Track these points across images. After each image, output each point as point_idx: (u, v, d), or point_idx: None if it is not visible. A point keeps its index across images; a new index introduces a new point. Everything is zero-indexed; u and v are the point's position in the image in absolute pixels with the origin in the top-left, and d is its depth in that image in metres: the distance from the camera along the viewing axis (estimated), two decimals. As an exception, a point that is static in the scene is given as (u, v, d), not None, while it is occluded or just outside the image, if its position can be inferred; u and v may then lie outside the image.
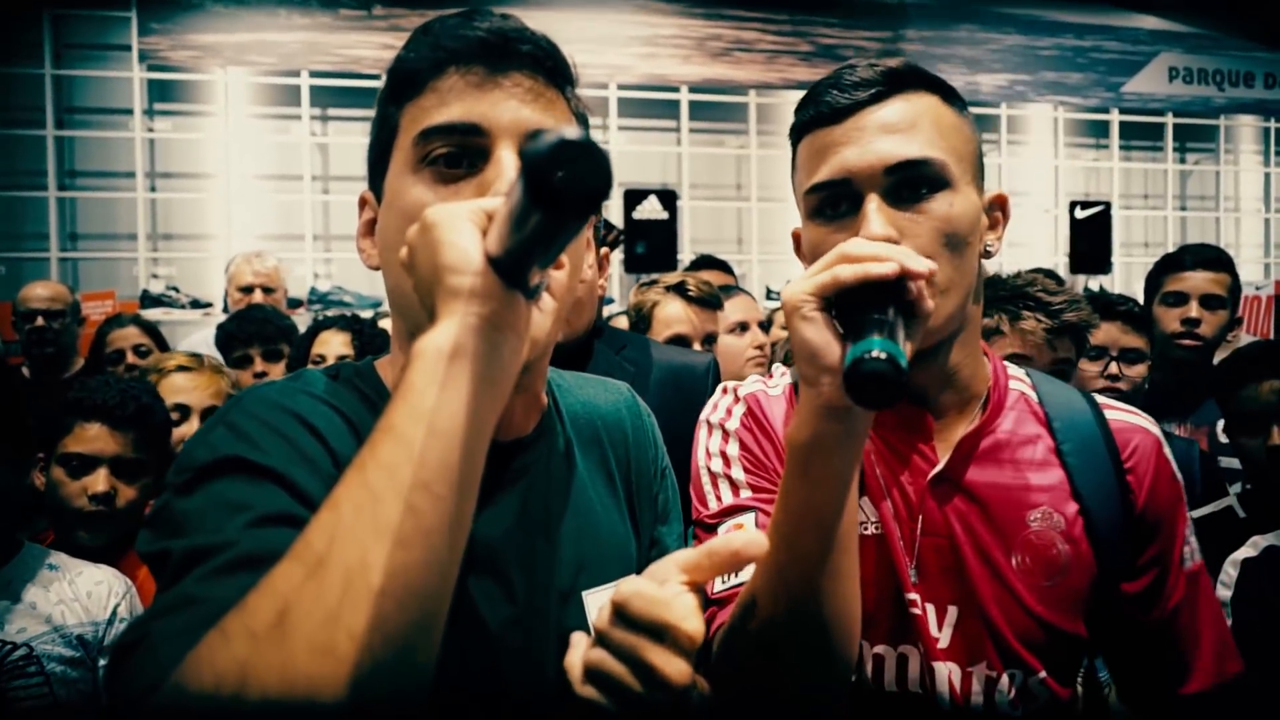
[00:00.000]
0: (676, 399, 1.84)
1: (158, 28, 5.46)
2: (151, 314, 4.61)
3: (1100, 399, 1.09)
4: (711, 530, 1.00)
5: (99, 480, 1.70)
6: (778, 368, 1.14)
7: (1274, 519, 1.75)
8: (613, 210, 5.61)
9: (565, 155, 0.50)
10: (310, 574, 0.53)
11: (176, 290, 5.26)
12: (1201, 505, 2.04)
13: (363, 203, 0.88)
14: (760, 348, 2.67)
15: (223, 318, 3.33)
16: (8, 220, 5.35)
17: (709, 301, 2.38)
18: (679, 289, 2.37)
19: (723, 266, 3.78)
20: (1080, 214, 6.40)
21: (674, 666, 0.62)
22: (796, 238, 1.02)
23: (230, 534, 0.64)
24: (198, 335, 3.66)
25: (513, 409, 0.84)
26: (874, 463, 1.00)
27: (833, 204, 0.93)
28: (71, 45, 5.50)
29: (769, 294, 6.04)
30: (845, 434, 0.76)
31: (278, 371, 2.76)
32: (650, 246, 5.61)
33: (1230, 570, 1.68)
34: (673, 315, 2.34)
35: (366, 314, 2.97)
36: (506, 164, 0.74)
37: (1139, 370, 2.28)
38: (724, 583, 0.94)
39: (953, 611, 0.97)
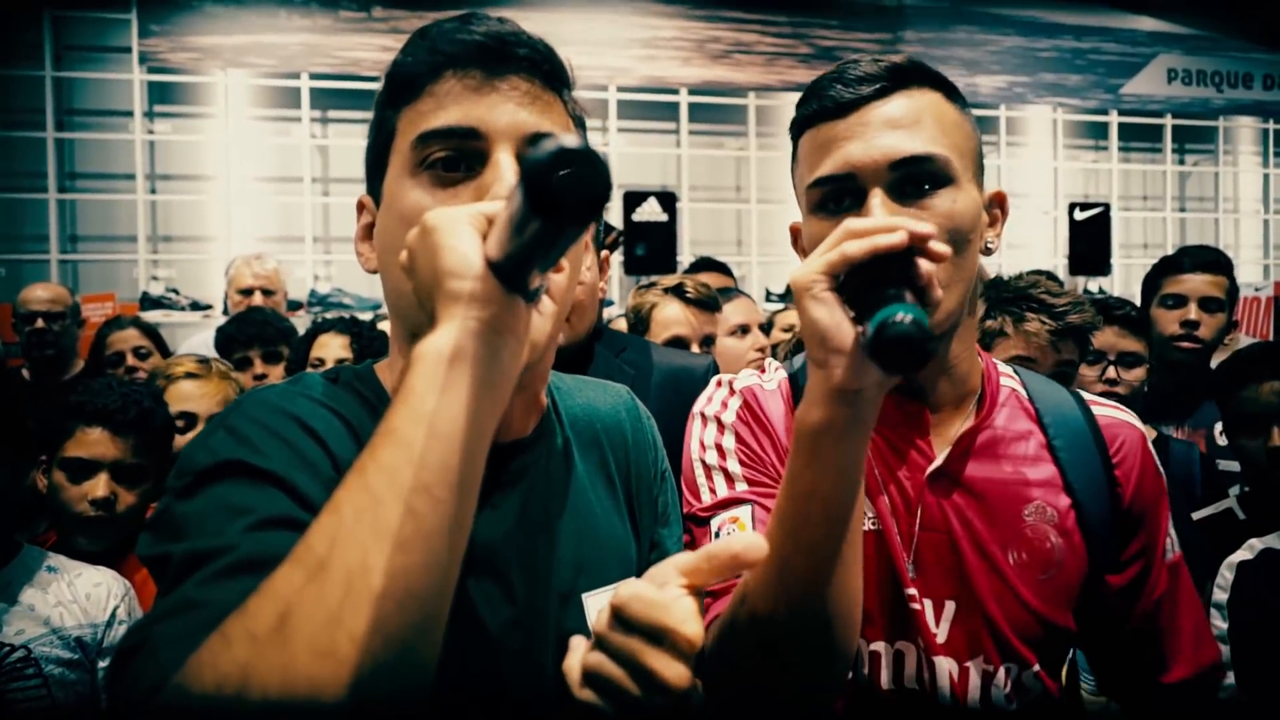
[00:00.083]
0: (676, 401, 1.84)
1: (158, 30, 5.47)
2: (151, 316, 4.61)
3: (1086, 395, 1.10)
4: (704, 524, 1.00)
5: (99, 485, 1.70)
6: (771, 363, 1.14)
7: (1273, 521, 1.75)
8: (612, 212, 5.61)
9: (565, 162, 0.51)
10: (311, 577, 0.53)
11: (176, 292, 5.26)
12: (1201, 507, 2.04)
13: (361, 207, 0.88)
14: (761, 350, 2.67)
15: (222, 320, 3.33)
16: (8, 222, 5.36)
17: (707, 303, 2.38)
18: (677, 291, 2.37)
19: (722, 268, 3.79)
20: (1079, 216, 6.40)
21: (673, 670, 0.62)
22: (795, 232, 1.02)
23: (231, 538, 0.64)
24: (198, 337, 3.66)
25: (512, 411, 0.84)
26: (871, 458, 1.00)
27: (836, 199, 0.93)
28: (72, 47, 5.51)
29: (768, 296, 6.04)
30: (854, 418, 0.75)
31: (277, 373, 2.76)
32: (650, 248, 5.61)
33: (1226, 573, 1.68)
34: (671, 317, 2.34)
35: (366, 316, 2.97)
36: (504, 167, 0.74)
37: (1137, 374, 2.28)
38: None
39: (950, 606, 0.97)
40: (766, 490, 0.98)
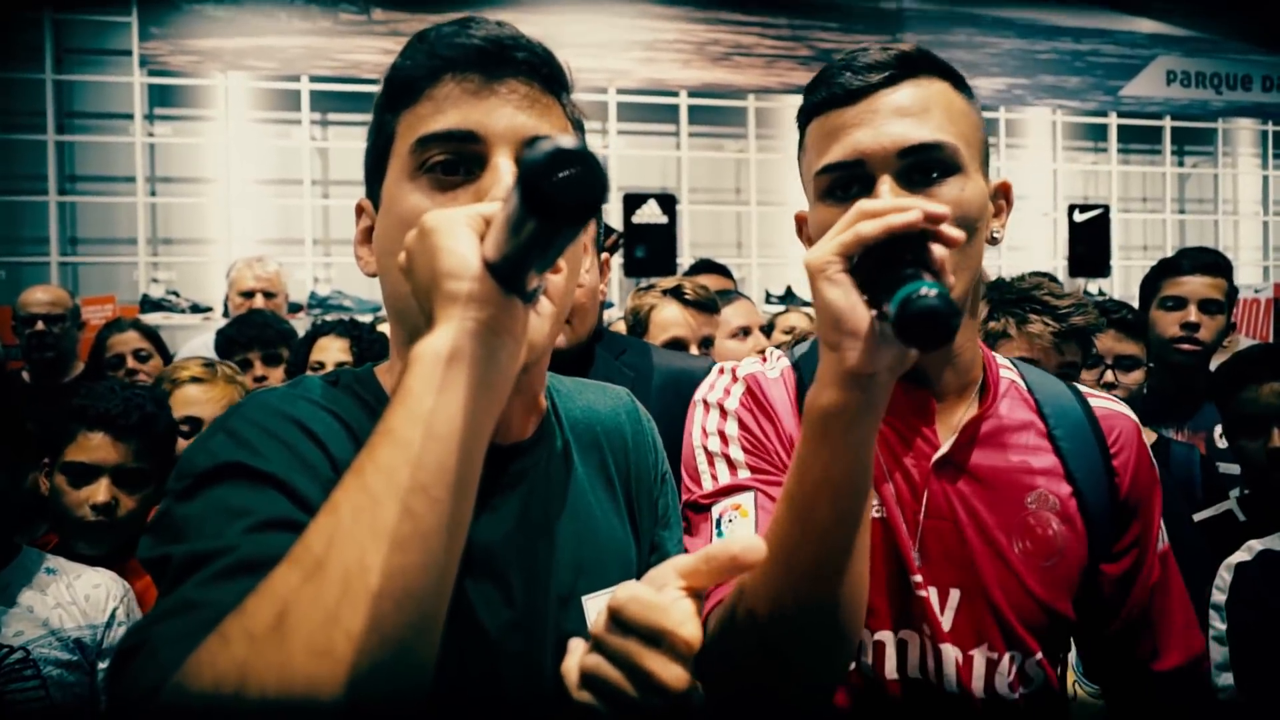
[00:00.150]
0: (677, 404, 1.84)
1: (158, 33, 5.47)
2: (151, 318, 4.61)
3: (1082, 388, 1.12)
4: (704, 511, 0.99)
5: (100, 490, 1.70)
6: (773, 351, 1.14)
7: (1273, 523, 1.75)
8: (612, 214, 5.62)
9: (561, 163, 0.51)
10: (308, 576, 0.54)
11: (176, 295, 5.26)
12: (1202, 509, 2.04)
13: (360, 210, 0.88)
14: (762, 352, 2.67)
15: (222, 322, 3.33)
16: (8, 224, 5.36)
17: (705, 305, 2.39)
18: (676, 293, 2.37)
19: (722, 271, 3.79)
20: (1079, 217, 6.41)
21: (671, 672, 0.62)
22: (800, 221, 1.03)
23: (230, 539, 0.64)
24: (198, 340, 3.66)
25: (512, 413, 0.84)
26: (876, 446, 1.00)
27: (844, 185, 0.94)
28: (72, 50, 5.51)
29: (768, 298, 6.05)
30: (866, 402, 0.75)
31: (277, 375, 2.76)
32: (650, 250, 5.62)
33: (1225, 574, 1.68)
34: (669, 319, 2.34)
35: (366, 318, 2.97)
36: (503, 171, 0.74)
37: (1135, 377, 2.29)
38: None
39: (955, 594, 0.98)
40: (769, 478, 0.98)
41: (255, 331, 2.81)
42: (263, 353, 2.79)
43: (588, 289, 1.80)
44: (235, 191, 5.57)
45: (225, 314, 3.88)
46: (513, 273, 0.59)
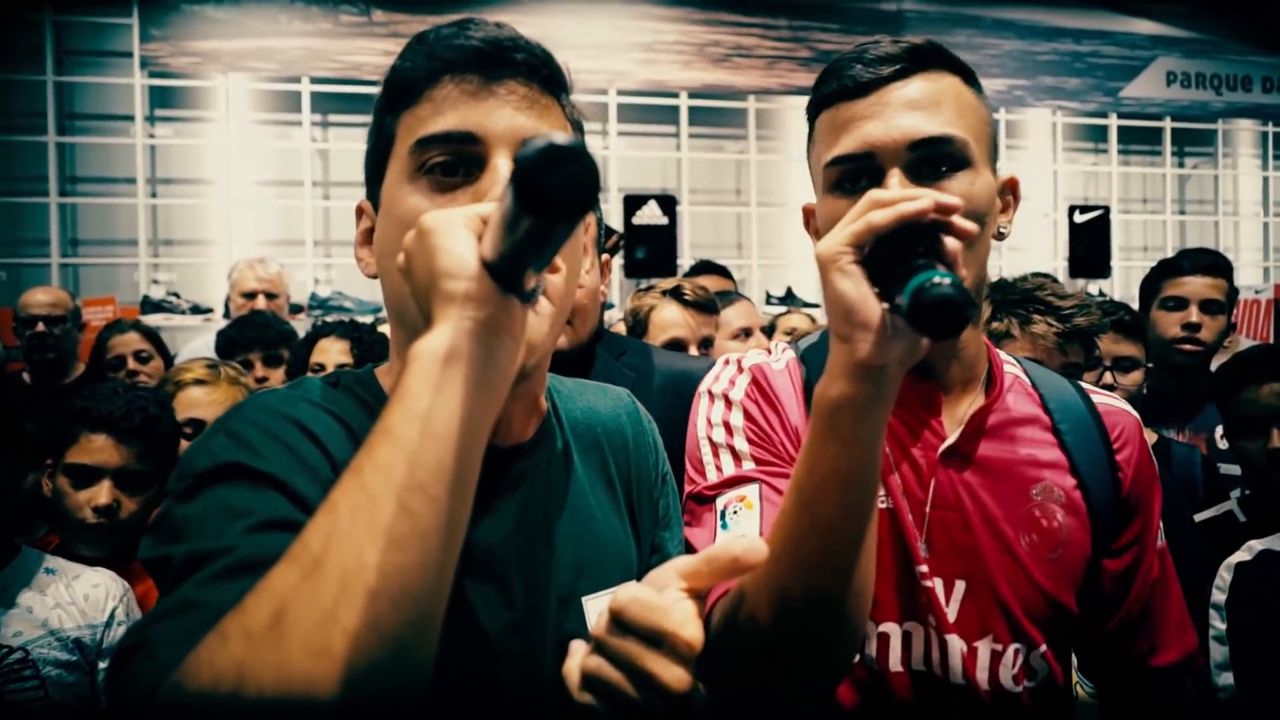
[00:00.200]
0: (677, 405, 1.84)
1: (159, 34, 5.48)
2: (152, 319, 4.61)
3: (1083, 384, 1.12)
4: (708, 502, 0.98)
5: (102, 493, 1.70)
6: (778, 344, 1.13)
7: (1273, 523, 1.75)
8: (612, 216, 5.62)
9: (554, 160, 0.51)
10: (306, 575, 0.54)
11: (177, 296, 5.27)
12: (1203, 510, 2.04)
13: (360, 212, 0.88)
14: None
15: (223, 323, 3.33)
16: (8, 226, 5.37)
17: (705, 306, 2.39)
18: (675, 293, 2.37)
19: (722, 272, 3.79)
20: (1079, 218, 6.40)
21: (672, 674, 0.62)
22: (808, 214, 1.03)
23: (230, 539, 0.64)
24: (198, 341, 3.66)
25: (512, 415, 0.84)
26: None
27: (853, 178, 0.94)
28: (73, 51, 5.51)
29: (769, 299, 6.05)
30: (876, 395, 0.75)
31: (278, 377, 2.76)
32: (650, 252, 5.61)
33: (1224, 574, 1.68)
34: (669, 319, 2.34)
35: (366, 319, 2.97)
36: (502, 172, 0.74)
37: (1134, 378, 2.28)
38: None
39: (960, 586, 0.97)
40: (774, 469, 0.98)
41: (256, 333, 2.81)
42: (263, 354, 2.79)
43: (589, 290, 1.80)
44: (236, 193, 5.58)
45: (226, 315, 3.88)
46: (510, 272, 0.59)
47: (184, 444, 2.00)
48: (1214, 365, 2.38)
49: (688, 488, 1.02)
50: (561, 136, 0.52)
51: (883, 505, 0.98)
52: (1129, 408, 1.11)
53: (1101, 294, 6.27)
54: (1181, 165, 7.45)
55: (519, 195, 0.52)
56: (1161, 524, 1.10)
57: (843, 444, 0.76)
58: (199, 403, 2.17)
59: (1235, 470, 2.16)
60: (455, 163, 0.77)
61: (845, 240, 0.74)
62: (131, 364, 3.04)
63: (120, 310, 4.69)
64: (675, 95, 6.23)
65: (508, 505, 0.82)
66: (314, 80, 5.67)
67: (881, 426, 0.77)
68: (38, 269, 5.28)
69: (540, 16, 5.76)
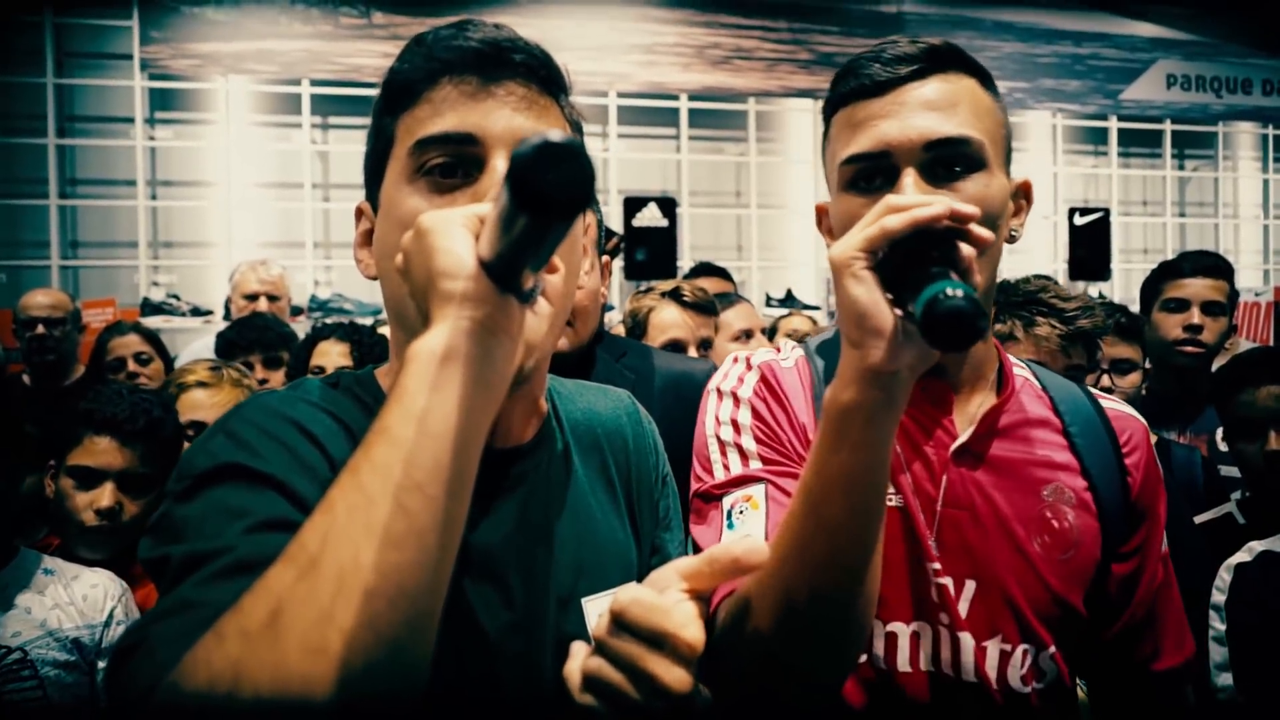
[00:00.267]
0: (677, 407, 1.83)
1: (159, 36, 5.48)
2: (152, 321, 4.62)
3: (1091, 389, 1.13)
4: (715, 501, 0.98)
5: (105, 495, 1.70)
6: (787, 342, 1.13)
7: (1272, 525, 1.75)
8: (612, 217, 5.62)
9: (549, 157, 0.51)
10: (303, 574, 0.54)
11: (177, 298, 5.27)
12: (1203, 511, 2.04)
13: (359, 213, 0.89)
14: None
15: (223, 325, 3.33)
16: (9, 228, 5.37)
17: (704, 307, 2.39)
18: (674, 295, 2.37)
19: (722, 274, 3.79)
20: (1079, 220, 6.41)
21: (674, 675, 0.62)
22: (821, 212, 1.03)
23: (229, 539, 0.64)
24: (199, 343, 3.67)
25: (512, 416, 0.84)
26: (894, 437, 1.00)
27: (868, 177, 0.94)
28: (73, 54, 5.52)
29: (768, 301, 6.05)
30: (887, 400, 0.75)
31: (278, 379, 2.76)
32: (650, 254, 5.62)
33: (1224, 575, 1.68)
34: (668, 320, 2.34)
35: (366, 321, 2.97)
36: (501, 173, 0.74)
37: (1132, 380, 2.29)
38: None
39: (970, 585, 0.97)
40: (781, 468, 0.98)
41: (256, 334, 2.81)
42: (263, 355, 2.79)
43: (589, 292, 1.80)
44: (236, 195, 5.58)
45: (226, 317, 3.88)
46: (507, 271, 0.59)
47: (187, 446, 2.00)
48: (1215, 367, 2.38)
49: (694, 485, 1.02)
50: (557, 134, 0.52)
51: (893, 503, 0.98)
52: (1137, 414, 1.11)
53: (1101, 296, 6.27)
54: (1181, 168, 7.45)
55: (514, 193, 0.52)
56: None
57: (852, 449, 0.76)
58: (201, 405, 2.16)
59: (1236, 472, 2.16)
60: (454, 164, 0.77)
61: (859, 245, 0.74)
62: (131, 366, 3.04)
63: (120, 312, 4.70)
64: (675, 97, 6.23)
65: (507, 506, 0.82)
66: (314, 82, 5.68)
67: (892, 431, 0.78)
68: (38, 271, 5.28)
69: (540, 19, 5.76)
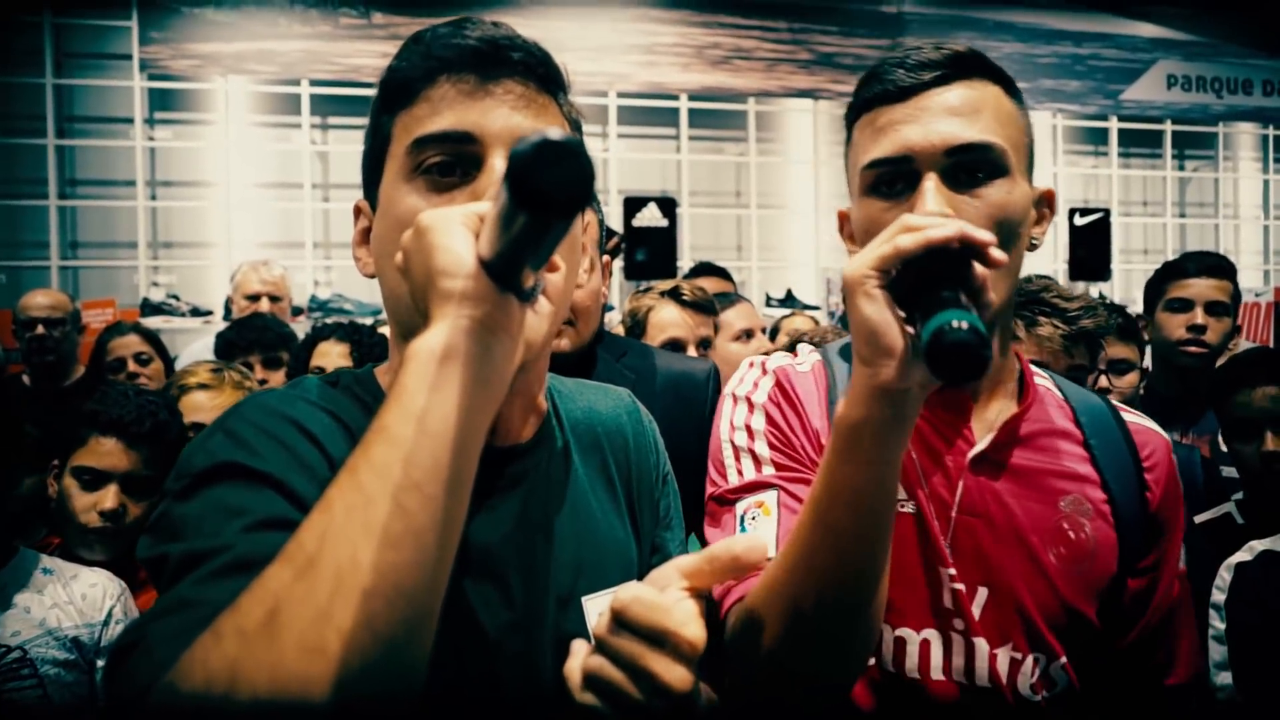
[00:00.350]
0: (677, 406, 1.83)
1: (158, 37, 5.48)
2: (152, 322, 4.61)
3: (1113, 402, 1.12)
4: (729, 505, 0.99)
5: (108, 497, 1.70)
6: (803, 347, 1.14)
7: (1269, 525, 1.75)
8: (612, 217, 5.62)
9: (548, 155, 0.51)
10: (301, 573, 0.53)
11: (177, 298, 5.27)
12: (1203, 511, 2.04)
13: (357, 211, 0.88)
14: (766, 355, 2.67)
15: (223, 326, 3.33)
16: (8, 228, 5.37)
17: (703, 306, 2.38)
18: (673, 294, 2.37)
19: (722, 274, 3.79)
20: (1079, 221, 6.41)
21: (674, 673, 0.62)
22: (843, 218, 1.03)
23: (227, 538, 0.64)
24: (198, 344, 3.66)
25: (511, 415, 0.84)
26: (911, 441, 0.98)
27: (889, 182, 0.94)
28: (72, 54, 5.52)
29: (768, 301, 6.05)
30: (896, 417, 0.75)
31: (278, 379, 2.76)
32: (650, 254, 5.62)
33: (1224, 574, 1.68)
34: (667, 320, 2.34)
35: (366, 321, 2.96)
36: (499, 171, 0.74)
37: (1130, 379, 2.28)
38: None
39: (983, 592, 0.97)
40: (794, 475, 0.98)
41: (255, 335, 2.81)
42: (263, 356, 2.79)
43: (591, 291, 1.80)
44: (235, 195, 5.58)
45: (226, 317, 3.88)
46: (507, 270, 0.59)
47: (189, 448, 1.98)
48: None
49: (709, 489, 1.03)
50: (556, 132, 0.51)
51: (909, 509, 0.98)
52: (1159, 429, 1.10)
53: (1101, 296, 6.27)
54: (1182, 168, 7.45)
55: (514, 192, 0.52)
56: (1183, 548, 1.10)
57: (861, 464, 0.77)
58: (202, 407, 2.16)
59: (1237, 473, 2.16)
60: (452, 162, 0.77)
61: (871, 263, 0.74)
62: (132, 366, 3.04)
63: (120, 313, 4.70)
64: (675, 97, 6.23)
65: (507, 505, 0.82)
66: (313, 83, 5.68)
67: (901, 447, 0.78)
68: (37, 271, 5.28)
69: (540, 19, 5.76)
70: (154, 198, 5.59)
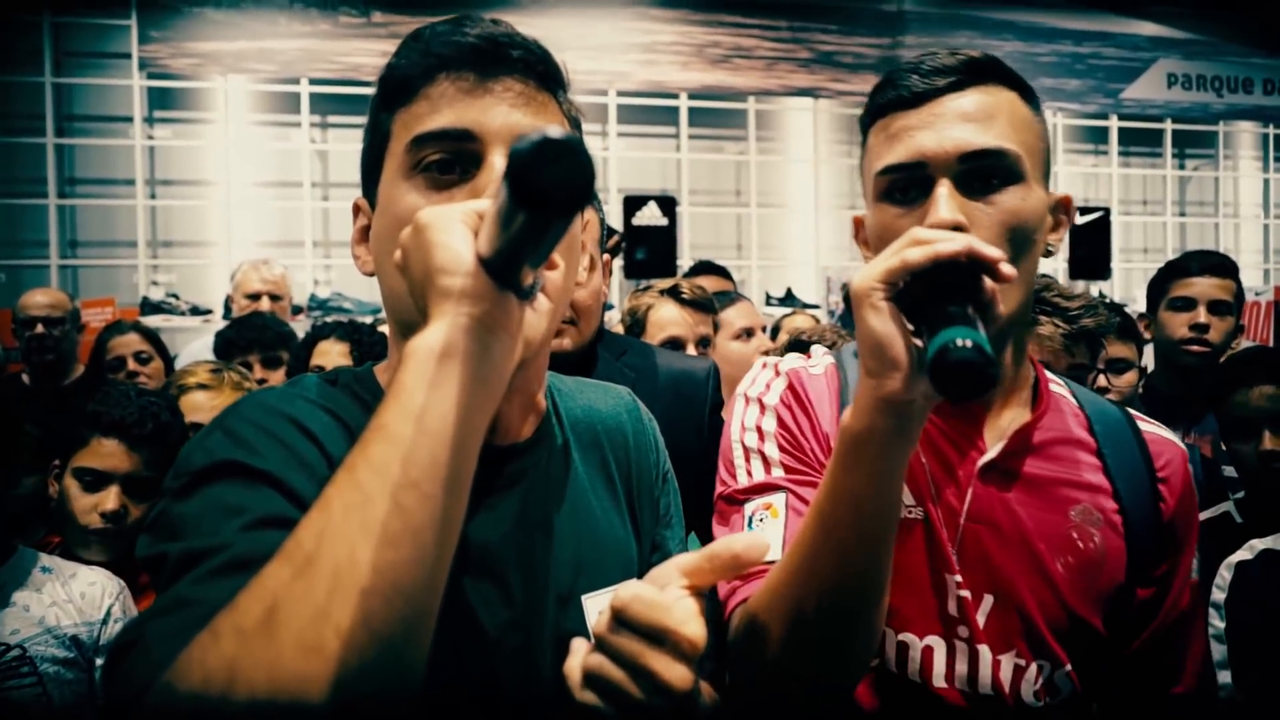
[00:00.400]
0: (677, 405, 1.83)
1: (157, 36, 5.48)
2: (151, 321, 4.61)
3: (1130, 411, 1.11)
4: (737, 505, 1.00)
5: (110, 498, 1.69)
6: (818, 349, 1.14)
7: (1269, 524, 1.75)
8: (612, 216, 5.62)
9: (548, 153, 0.51)
10: (299, 572, 0.53)
11: (176, 297, 5.26)
12: (1203, 510, 2.04)
13: (356, 209, 0.88)
14: (767, 353, 2.66)
15: (222, 325, 3.32)
16: (8, 227, 5.37)
17: (702, 305, 2.38)
18: (672, 292, 2.37)
19: (721, 272, 3.79)
20: (1079, 220, 6.40)
21: (675, 672, 0.62)
22: (858, 224, 1.03)
23: (225, 537, 0.64)
24: (197, 343, 3.66)
25: (511, 413, 0.84)
26: (921, 447, 1.00)
27: (903, 188, 0.94)
28: (71, 53, 5.52)
29: (768, 300, 6.04)
30: (900, 428, 0.75)
31: (277, 378, 2.75)
32: (650, 252, 5.61)
33: (1225, 573, 1.68)
34: (666, 318, 2.34)
35: (366, 320, 2.96)
36: (499, 169, 0.74)
37: (1128, 379, 2.28)
38: None
39: (989, 600, 0.97)
40: (803, 478, 0.98)
41: (254, 334, 2.80)
42: (262, 355, 2.78)
43: (593, 291, 1.80)
44: (235, 194, 5.58)
45: (226, 316, 3.87)
46: (506, 268, 0.59)
47: (186, 446, 1.98)
48: (1221, 366, 2.37)
49: (719, 488, 1.03)
50: (556, 130, 0.51)
51: (917, 516, 0.98)
52: (1176, 439, 1.10)
53: (1101, 295, 6.27)
54: (1182, 167, 7.45)
55: (513, 190, 0.52)
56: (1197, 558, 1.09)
57: (864, 473, 0.77)
58: (202, 407, 2.16)
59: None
60: (452, 160, 0.76)
61: (879, 276, 0.74)
62: (131, 365, 3.04)
63: (119, 312, 4.70)
64: (675, 96, 6.23)
65: (506, 503, 0.82)
66: (313, 81, 5.68)
67: (905, 458, 0.78)
68: (37, 270, 5.28)
69: (539, 17, 5.76)
70: (153, 197, 5.59)
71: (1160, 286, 2.54)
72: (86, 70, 5.51)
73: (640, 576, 0.74)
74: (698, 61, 6.25)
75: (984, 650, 0.95)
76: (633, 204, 5.68)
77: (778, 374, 1.07)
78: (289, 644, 0.51)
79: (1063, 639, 0.97)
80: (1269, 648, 1.57)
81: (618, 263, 5.37)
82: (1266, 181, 7.56)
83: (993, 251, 0.73)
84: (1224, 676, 1.60)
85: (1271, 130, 7.50)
